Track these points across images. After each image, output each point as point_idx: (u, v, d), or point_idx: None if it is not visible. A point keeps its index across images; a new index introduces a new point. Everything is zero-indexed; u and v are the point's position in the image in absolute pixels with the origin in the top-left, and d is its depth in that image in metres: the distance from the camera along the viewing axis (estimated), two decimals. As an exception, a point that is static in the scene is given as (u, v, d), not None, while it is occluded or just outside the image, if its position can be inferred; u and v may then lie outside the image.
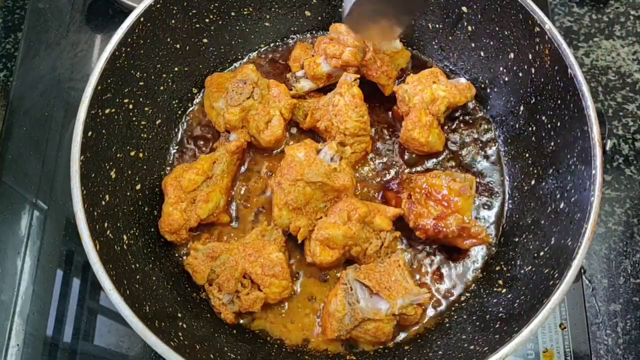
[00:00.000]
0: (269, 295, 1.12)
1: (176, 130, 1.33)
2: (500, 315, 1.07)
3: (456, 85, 1.28)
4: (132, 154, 1.20)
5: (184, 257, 1.21)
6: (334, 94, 1.25)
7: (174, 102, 1.31)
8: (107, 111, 1.12)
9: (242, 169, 1.30)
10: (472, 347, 1.03)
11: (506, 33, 1.22)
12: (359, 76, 1.26)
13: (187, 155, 1.31)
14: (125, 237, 1.11)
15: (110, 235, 1.06)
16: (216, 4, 1.28)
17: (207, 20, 1.29)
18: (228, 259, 1.12)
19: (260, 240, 1.16)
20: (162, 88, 1.26)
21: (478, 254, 1.23)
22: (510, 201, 1.27)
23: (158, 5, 1.17)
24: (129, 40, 1.14)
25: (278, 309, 1.18)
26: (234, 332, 1.14)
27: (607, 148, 1.15)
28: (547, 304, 0.96)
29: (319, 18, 1.41)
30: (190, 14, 1.24)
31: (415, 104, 1.24)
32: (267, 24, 1.39)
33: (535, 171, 1.21)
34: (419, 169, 1.30)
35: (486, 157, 1.31)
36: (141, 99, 1.22)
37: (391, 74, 1.30)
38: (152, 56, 1.21)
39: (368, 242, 1.15)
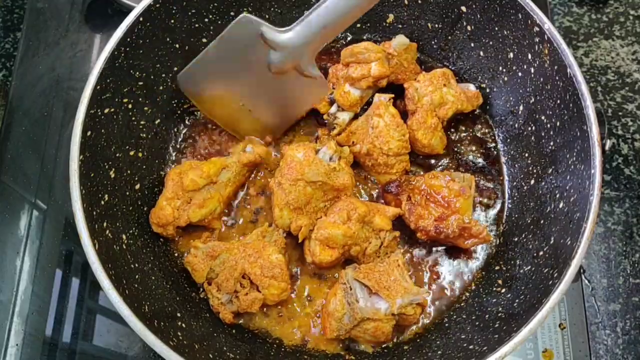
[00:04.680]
0: (268, 296, 1.12)
1: (175, 130, 1.32)
2: (499, 314, 1.07)
3: (465, 92, 1.28)
4: (132, 153, 1.20)
5: (184, 256, 1.21)
6: (371, 116, 1.23)
7: (173, 102, 1.31)
8: (106, 111, 1.12)
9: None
10: (471, 346, 1.03)
11: (505, 33, 1.22)
12: (393, 95, 1.24)
13: (186, 155, 1.31)
14: (124, 236, 1.11)
15: (109, 234, 1.06)
16: (215, 4, 1.28)
17: (206, 20, 1.28)
18: (228, 259, 1.12)
19: (261, 241, 1.15)
20: (161, 88, 1.26)
21: (477, 253, 1.23)
22: (509, 201, 1.27)
23: (157, 5, 1.17)
24: (128, 39, 1.14)
25: (277, 309, 1.17)
26: (233, 331, 1.14)
27: (607, 148, 1.15)
28: (547, 304, 0.96)
29: (319, 18, 1.40)
30: (190, 13, 1.24)
31: (423, 105, 1.23)
32: (266, 23, 1.39)
33: (535, 171, 1.21)
34: (418, 168, 1.30)
35: (485, 156, 1.31)
36: (140, 99, 1.21)
37: (417, 69, 1.31)
38: (152, 56, 1.21)
39: (367, 241, 1.15)
